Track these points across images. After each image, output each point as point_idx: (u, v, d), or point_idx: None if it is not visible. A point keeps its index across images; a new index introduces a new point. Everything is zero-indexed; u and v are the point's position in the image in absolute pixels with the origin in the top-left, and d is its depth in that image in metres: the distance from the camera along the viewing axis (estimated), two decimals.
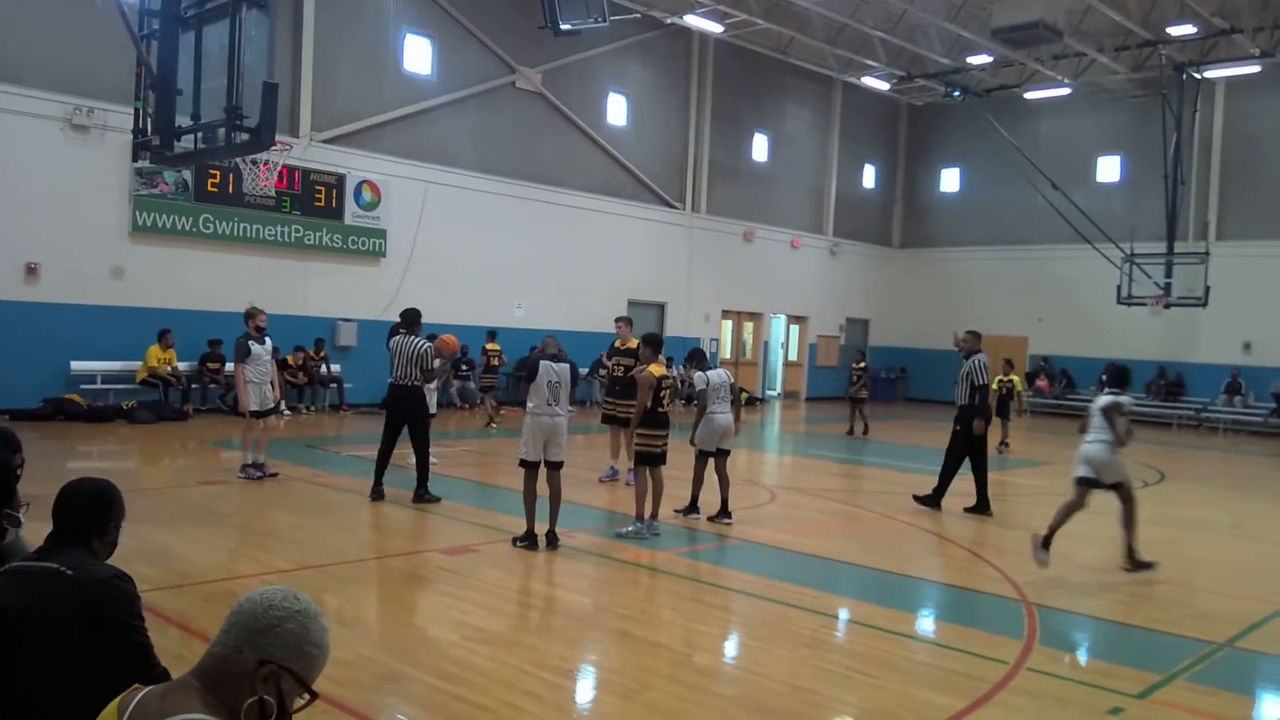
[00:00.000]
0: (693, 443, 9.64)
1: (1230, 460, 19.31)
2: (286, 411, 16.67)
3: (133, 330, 16.36)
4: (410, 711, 4.70)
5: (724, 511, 9.57)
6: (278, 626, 1.98)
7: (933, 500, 10.88)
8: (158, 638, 2.98)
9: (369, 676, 5.03)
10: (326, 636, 2.06)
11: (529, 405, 8.14)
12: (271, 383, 11.18)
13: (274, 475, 10.96)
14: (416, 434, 10.20)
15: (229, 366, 16.91)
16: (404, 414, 10.22)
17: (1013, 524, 10.72)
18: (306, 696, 2.03)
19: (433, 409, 12.85)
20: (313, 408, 18.57)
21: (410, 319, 10.39)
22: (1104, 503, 11.84)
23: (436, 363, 10.30)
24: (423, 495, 9.98)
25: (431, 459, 12.45)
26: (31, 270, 15.58)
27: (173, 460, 12.92)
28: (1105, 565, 9.15)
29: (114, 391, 16.17)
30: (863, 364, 20.35)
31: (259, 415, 10.97)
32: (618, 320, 12.24)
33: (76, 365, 15.98)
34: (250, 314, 11.18)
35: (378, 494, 9.97)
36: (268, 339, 11.16)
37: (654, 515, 8.82)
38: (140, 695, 1.96)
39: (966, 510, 10.76)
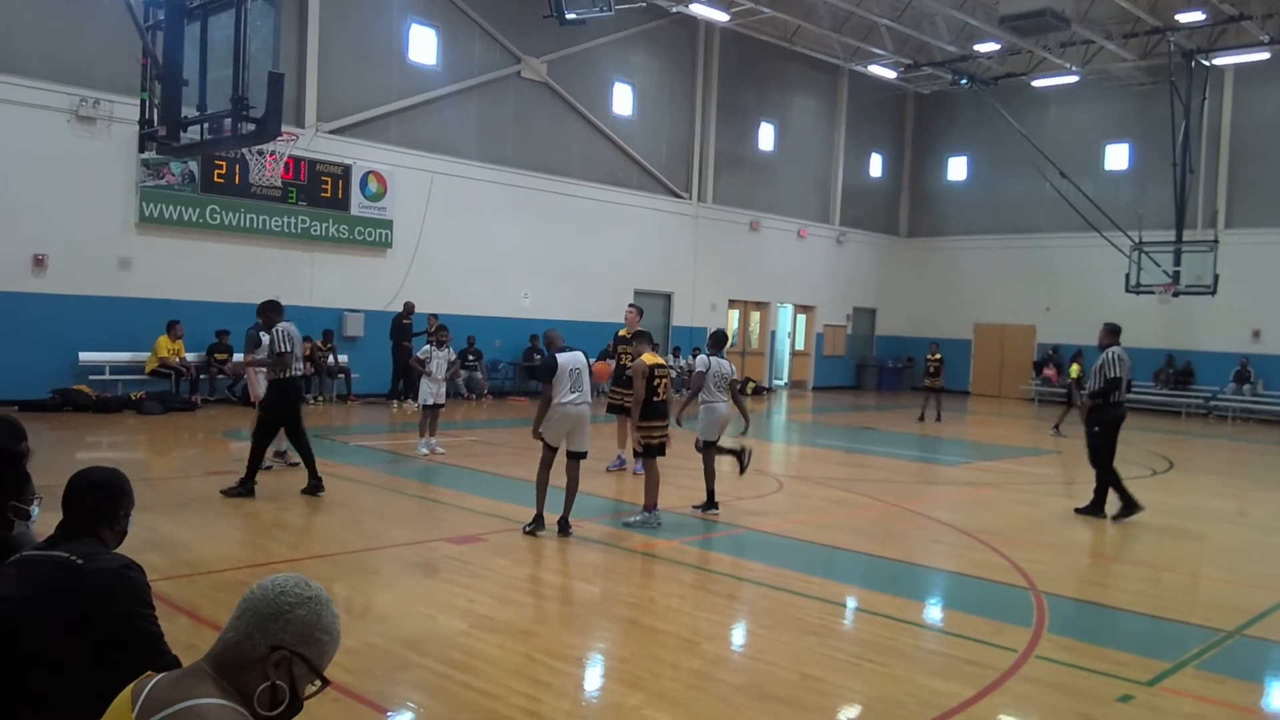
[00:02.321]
0: (679, 423, 9.61)
1: (1239, 449, 19.26)
2: None
3: (140, 321, 16.41)
4: (419, 699, 4.72)
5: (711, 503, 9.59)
6: (289, 613, 1.99)
7: (1126, 510, 10.10)
8: (167, 626, 2.99)
9: (378, 665, 5.05)
10: (337, 623, 2.07)
11: (555, 398, 8.15)
12: None
13: (294, 464, 11.01)
14: (269, 426, 9.73)
15: (237, 357, 17.01)
16: (295, 405, 9.75)
17: (1023, 513, 10.71)
18: (318, 683, 2.04)
19: (442, 400, 12.91)
20: (320, 398, 18.61)
21: (272, 308, 9.82)
22: (1115, 494, 11.80)
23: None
24: (248, 487, 9.47)
25: (424, 449, 12.51)
26: (39, 262, 15.61)
27: (181, 451, 12.95)
28: (1114, 554, 9.14)
29: (122, 382, 16.22)
30: (938, 355, 20.98)
31: None
32: (629, 307, 12.17)
33: (85, 356, 16.02)
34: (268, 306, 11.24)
35: (318, 485, 9.52)
36: None
37: (654, 506, 8.83)
38: (153, 682, 1.97)
39: (1113, 518, 10.11)
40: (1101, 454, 10.26)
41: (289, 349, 9.46)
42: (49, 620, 2.69)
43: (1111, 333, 10.52)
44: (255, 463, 9.46)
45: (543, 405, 8.27)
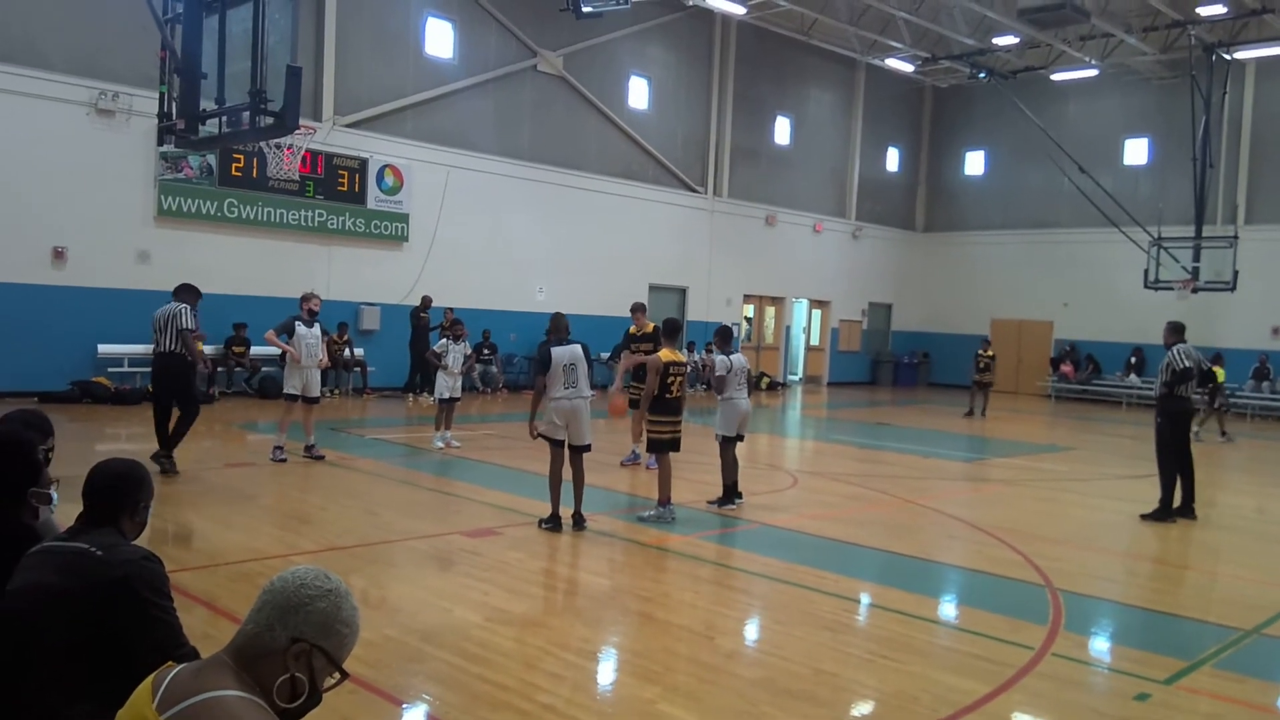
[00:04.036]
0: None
1: (1257, 446, 19.11)
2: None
3: None
4: (434, 691, 4.74)
5: (735, 493, 9.57)
6: (309, 605, 2.00)
7: (1161, 513, 9.92)
8: (185, 617, 3.01)
9: (394, 656, 5.07)
10: (357, 616, 2.09)
11: (548, 392, 8.18)
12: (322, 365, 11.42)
13: (320, 458, 11.11)
14: (186, 401, 10.07)
15: (254, 349, 17.14)
16: (172, 383, 10.11)
17: (1039, 510, 10.67)
18: (337, 675, 2.06)
19: (458, 393, 12.94)
20: (336, 391, 18.68)
21: (186, 289, 10.21)
22: (1134, 490, 11.80)
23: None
24: (167, 459, 9.83)
25: (440, 442, 12.56)
26: (59, 254, 15.73)
27: (199, 443, 12.99)
28: (1131, 551, 9.09)
29: (140, 374, 16.32)
30: (990, 351, 21.50)
31: (309, 400, 11.21)
32: (634, 311, 12.10)
33: (104, 348, 16.13)
34: (305, 297, 11.45)
35: (170, 466, 9.81)
36: (317, 324, 11.30)
37: (668, 500, 8.83)
38: (174, 673, 1.98)
39: (1143, 517, 9.97)
40: (1164, 449, 10.11)
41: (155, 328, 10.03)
42: (69, 610, 2.71)
43: (1175, 331, 10.33)
44: (179, 434, 10.02)
45: (535, 399, 8.34)
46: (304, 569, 2.07)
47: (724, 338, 9.90)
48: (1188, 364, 10.00)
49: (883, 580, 7.48)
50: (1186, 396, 10.19)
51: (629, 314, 12.19)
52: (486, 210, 20.98)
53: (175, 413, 10.07)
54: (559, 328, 8.55)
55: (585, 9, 17.83)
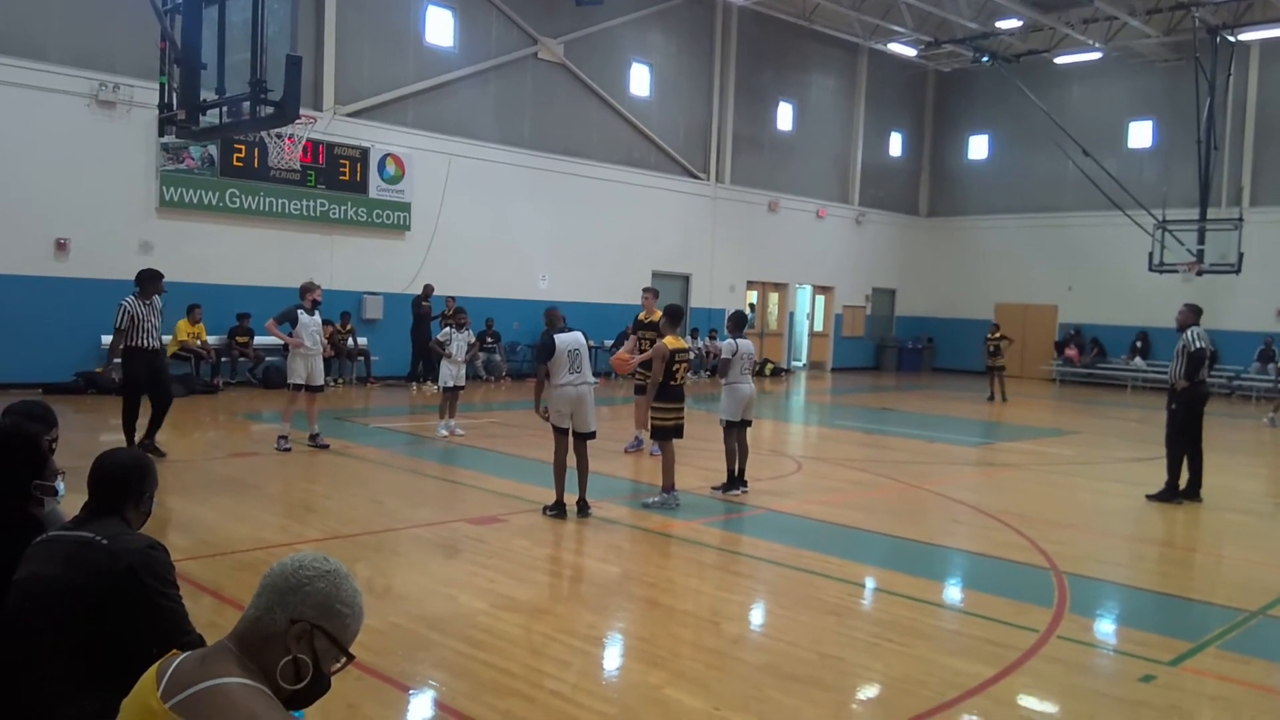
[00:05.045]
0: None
1: (1262, 428, 19.07)
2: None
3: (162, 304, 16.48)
4: (440, 678, 4.75)
5: (740, 481, 9.56)
6: (307, 585, 2.01)
7: (1167, 494, 10.01)
8: (191, 605, 3.02)
9: (400, 644, 5.08)
10: (358, 598, 2.08)
11: (552, 380, 8.19)
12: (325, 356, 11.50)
13: (325, 446, 11.14)
14: (165, 392, 10.38)
15: (258, 339, 17.17)
16: (161, 376, 10.37)
17: (1044, 494, 10.66)
18: (342, 659, 2.06)
19: (462, 382, 12.95)
20: (340, 380, 18.70)
21: (148, 277, 10.37)
22: (1139, 474, 11.80)
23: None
24: (153, 445, 10.12)
25: (444, 430, 12.61)
26: (61, 246, 15.73)
27: (203, 433, 13.05)
28: (1136, 534, 9.09)
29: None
30: (998, 334, 21.51)
31: (312, 389, 11.25)
32: (644, 292, 12.11)
33: (107, 339, 16.03)
34: (306, 288, 11.44)
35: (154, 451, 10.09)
36: (317, 313, 11.33)
37: (672, 487, 8.83)
38: (178, 661, 1.99)
39: (1149, 497, 10.06)
40: (1174, 433, 10.06)
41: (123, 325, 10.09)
42: (74, 599, 2.72)
43: (1194, 312, 10.27)
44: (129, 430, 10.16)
45: (538, 384, 8.40)
46: (304, 553, 2.08)
47: (737, 322, 9.89)
48: (1200, 345, 9.99)
49: (888, 565, 7.48)
50: (1202, 381, 10.16)
51: (640, 296, 12.07)
52: (488, 199, 20.94)
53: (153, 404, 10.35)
54: (553, 320, 8.67)
55: None
